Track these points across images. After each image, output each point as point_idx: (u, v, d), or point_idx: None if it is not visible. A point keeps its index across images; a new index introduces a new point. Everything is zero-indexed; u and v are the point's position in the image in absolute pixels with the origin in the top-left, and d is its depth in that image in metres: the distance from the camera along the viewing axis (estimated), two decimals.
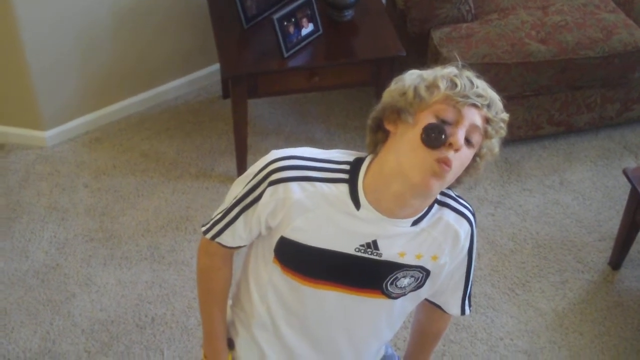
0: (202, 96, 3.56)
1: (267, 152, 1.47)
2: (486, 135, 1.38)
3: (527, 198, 3.16)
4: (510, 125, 1.42)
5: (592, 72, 3.15)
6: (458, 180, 1.42)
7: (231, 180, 3.13)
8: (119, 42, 3.22)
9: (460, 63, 1.41)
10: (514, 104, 3.15)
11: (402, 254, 1.44)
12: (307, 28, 2.92)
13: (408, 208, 1.40)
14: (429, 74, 1.40)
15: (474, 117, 1.35)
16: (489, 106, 1.37)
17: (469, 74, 1.39)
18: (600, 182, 3.25)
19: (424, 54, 3.23)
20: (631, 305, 2.79)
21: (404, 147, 1.34)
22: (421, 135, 1.32)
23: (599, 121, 3.40)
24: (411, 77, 1.40)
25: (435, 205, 1.46)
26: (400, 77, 1.43)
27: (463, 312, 1.62)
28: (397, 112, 1.38)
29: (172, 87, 3.52)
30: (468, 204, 1.52)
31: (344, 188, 1.41)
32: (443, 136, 1.31)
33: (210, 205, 3.04)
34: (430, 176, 1.31)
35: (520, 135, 3.31)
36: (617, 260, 2.89)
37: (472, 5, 3.22)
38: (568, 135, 3.44)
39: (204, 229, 1.53)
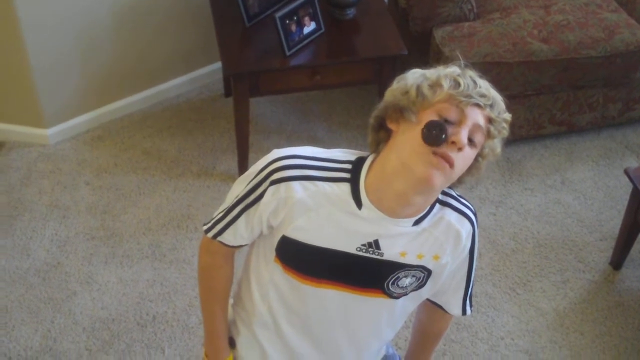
0: (204, 94, 3.56)
1: (268, 150, 1.47)
2: (488, 136, 1.38)
3: (528, 197, 3.16)
4: (512, 124, 1.42)
5: (594, 71, 3.15)
6: (460, 180, 1.42)
7: (233, 178, 3.13)
8: (120, 39, 3.22)
9: (463, 62, 1.41)
10: (515, 103, 3.15)
11: (403, 254, 1.44)
12: (309, 26, 2.92)
13: (410, 207, 1.39)
14: (431, 73, 1.40)
15: (476, 116, 1.35)
16: (491, 106, 1.37)
17: (472, 73, 1.38)
18: (601, 181, 3.24)
19: (426, 53, 3.23)
20: (632, 305, 2.78)
21: (406, 144, 1.34)
22: (422, 131, 1.32)
23: (601, 121, 3.39)
24: (414, 76, 1.40)
25: (437, 205, 1.46)
26: (402, 76, 1.42)
27: (464, 312, 1.62)
28: (400, 111, 1.38)
29: (174, 85, 3.52)
30: (470, 203, 1.51)
31: (345, 187, 1.40)
32: (444, 135, 1.31)
33: (211, 204, 3.04)
34: (432, 168, 1.31)
35: (521, 134, 3.31)
36: (618, 260, 2.89)
37: (474, 4, 3.21)
38: (570, 135, 3.43)
39: (205, 227, 1.53)
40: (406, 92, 1.38)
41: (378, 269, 1.45)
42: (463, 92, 1.34)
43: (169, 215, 3.00)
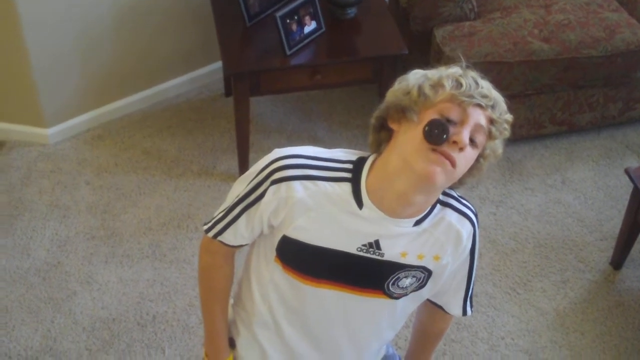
0: (204, 94, 3.56)
1: (269, 150, 1.47)
2: (490, 136, 1.38)
3: (528, 197, 3.15)
4: (513, 124, 1.42)
5: (595, 71, 3.15)
6: (461, 181, 1.42)
7: (233, 178, 3.13)
8: (121, 39, 3.22)
9: (464, 63, 1.41)
10: (516, 102, 3.15)
11: (404, 254, 1.44)
12: (310, 26, 2.92)
13: (411, 207, 1.39)
14: (433, 73, 1.40)
15: (478, 117, 1.35)
16: (493, 107, 1.37)
17: (473, 74, 1.38)
18: (602, 181, 3.24)
19: (426, 52, 3.22)
20: (632, 305, 2.78)
21: (408, 143, 1.34)
22: (424, 129, 1.32)
23: (601, 120, 3.39)
24: (415, 77, 1.40)
25: (438, 206, 1.46)
26: (404, 76, 1.42)
27: (465, 312, 1.62)
28: (402, 111, 1.38)
29: (174, 85, 3.52)
30: (470, 204, 1.51)
31: (346, 187, 1.40)
32: (445, 135, 1.31)
33: (212, 204, 3.04)
34: (433, 165, 1.31)
35: (522, 134, 3.31)
36: (618, 260, 2.89)
37: (474, 3, 3.21)
38: (570, 135, 3.43)
39: (205, 227, 1.53)
40: (408, 93, 1.38)
41: (378, 270, 1.45)
42: (465, 92, 1.34)
43: (169, 215, 3.00)
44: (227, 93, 3.53)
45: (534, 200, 3.14)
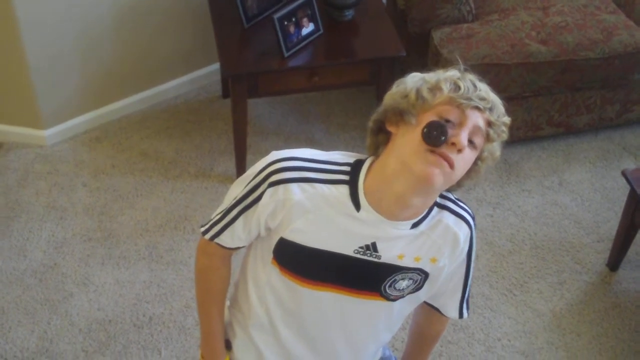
0: (202, 95, 3.56)
1: (266, 152, 1.47)
2: (488, 139, 1.38)
3: (525, 199, 3.16)
4: (510, 126, 1.42)
5: (592, 73, 3.15)
6: (459, 184, 1.42)
7: (230, 180, 3.13)
8: (118, 41, 3.22)
9: (462, 66, 1.41)
10: (513, 104, 3.15)
11: (401, 257, 1.44)
12: (308, 28, 2.92)
13: (409, 209, 1.39)
14: (431, 76, 1.40)
15: (476, 119, 1.35)
16: (491, 109, 1.37)
17: (471, 77, 1.39)
18: (599, 183, 3.25)
19: (424, 54, 3.23)
20: (629, 307, 2.79)
21: (406, 146, 1.35)
22: (423, 131, 1.32)
23: (599, 122, 3.40)
24: (413, 80, 1.41)
25: (435, 208, 1.46)
26: (401, 80, 1.43)
27: (461, 315, 1.62)
28: (400, 114, 1.38)
29: (172, 86, 3.51)
30: (468, 207, 1.51)
31: (344, 189, 1.40)
32: (443, 137, 1.31)
33: (209, 205, 3.03)
34: (431, 167, 1.31)
35: (519, 136, 3.31)
36: (615, 262, 2.89)
37: (472, 5, 3.22)
38: (567, 137, 3.44)
39: (202, 229, 1.53)
40: (406, 96, 1.38)
41: (375, 272, 1.45)
42: (463, 95, 1.35)
43: (166, 216, 3.00)
44: (225, 94, 3.53)
45: (531, 202, 3.14)
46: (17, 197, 3.05)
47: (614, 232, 2.90)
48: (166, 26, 3.32)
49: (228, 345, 1.67)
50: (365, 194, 1.39)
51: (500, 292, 2.81)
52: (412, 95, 1.37)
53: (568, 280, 2.86)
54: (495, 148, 1.41)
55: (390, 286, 1.47)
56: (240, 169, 3.09)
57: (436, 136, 1.31)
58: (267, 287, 1.53)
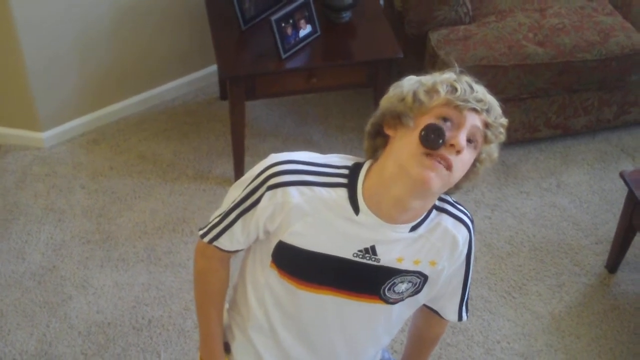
0: (200, 97, 3.56)
1: (265, 153, 1.47)
2: (486, 140, 1.38)
3: (524, 201, 3.16)
4: (507, 127, 1.43)
5: (590, 74, 3.16)
6: (457, 186, 1.42)
7: (228, 182, 3.12)
8: (116, 43, 3.22)
9: (458, 68, 1.41)
10: (511, 106, 3.15)
11: (400, 260, 1.44)
12: (305, 29, 2.92)
13: (408, 212, 1.39)
14: (427, 79, 1.40)
15: (474, 120, 1.36)
16: (488, 111, 1.37)
17: (467, 79, 1.39)
18: (597, 185, 3.25)
19: (421, 56, 3.23)
20: (627, 309, 2.79)
21: (404, 149, 1.35)
22: (421, 134, 1.32)
23: (596, 124, 3.40)
24: (409, 83, 1.41)
25: (434, 211, 1.46)
26: (398, 83, 1.43)
27: (460, 318, 1.62)
28: (398, 117, 1.38)
29: (170, 88, 3.51)
30: (466, 209, 1.52)
31: (342, 193, 1.41)
32: (441, 140, 1.31)
33: (207, 207, 3.03)
34: (427, 170, 1.31)
35: (517, 137, 3.31)
36: (613, 264, 2.89)
37: (469, 7, 3.22)
38: (565, 138, 3.44)
39: (201, 232, 1.53)
40: (403, 99, 1.39)
41: (374, 275, 1.45)
42: (460, 96, 1.35)
43: (165, 218, 3.00)
44: (223, 96, 3.53)
45: (529, 204, 3.15)
46: (15, 199, 3.05)
47: (612, 234, 2.90)
48: (163, 28, 3.32)
49: (227, 348, 1.67)
50: (364, 197, 1.40)
51: (499, 294, 2.81)
52: (409, 98, 1.38)
53: (567, 282, 2.87)
54: (493, 150, 1.42)
55: (389, 289, 1.47)
56: (239, 171, 3.09)
57: (434, 139, 1.31)
58: (266, 290, 1.53)
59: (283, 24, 2.81)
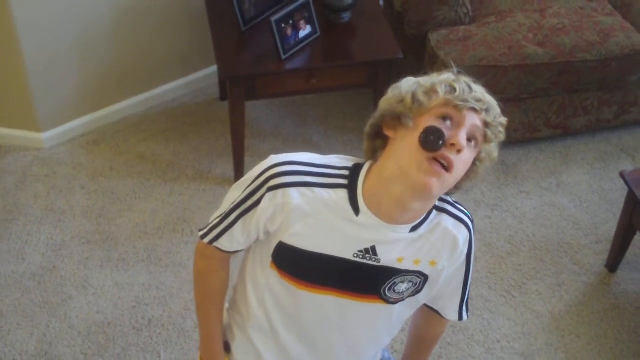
0: (200, 98, 3.56)
1: (264, 154, 1.47)
2: (485, 139, 1.39)
3: (523, 200, 3.16)
4: (507, 127, 1.43)
5: (589, 75, 3.16)
6: (457, 186, 1.42)
7: (228, 182, 3.13)
8: (116, 43, 3.22)
9: (456, 69, 1.42)
10: (511, 106, 3.16)
11: (400, 260, 1.44)
12: (305, 30, 2.92)
13: (408, 213, 1.40)
14: (426, 80, 1.41)
15: (474, 120, 1.36)
16: (487, 110, 1.38)
17: (466, 79, 1.39)
18: (597, 184, 3.25)
19: (421, 57, 3.23)
20: (627, 308, 2.79)
21: (404, 150, 1.35)
22: (420, 136, 1.32)
23: (596, 124, 3.40)
24: (408, 84, 1.41)
25: (434, 211, 1.46)
26: (396, 84, 1.43)
27: (460, 317, 1.62)
28: (397, 118, 1.39)
29: (170, 89, 3.52)
30: (466, 209, 1.52)
31: (343, 194, 1.41)
32: (441, 142, 1.31)
33: (207, 208, 3.03)
34: (428, 175, 1.31)
35: (517, 137, 3.32)
36: (613, 263, 2.89)
37: (469, 7, 3.22)
38: (565, 138, 3.44)
39: (201, 233, 1.53)
40: (402, 100, 1.39)
41: (375, 275, 1.45)
42: (459, 96, 1.35)
43: (165, 219, 3.00)
44: (223, 97, 3.53)
45: (529, 204, 3.15)
46: (15, 200, 3.05)
47: (612, 234, 2.91)
48: (163, 28, 3.32)
49: (227, 348, 1.67)
50: (364, 198, 1.40)
51: (499, 293, 2.81)
52: (408, 99, 1.38)
53: (567, 281, 2.87)
54: (493, 149, 1.42)
55: (389, 289, 1.47)
56: (238, 172, 3.09)
57: (433, 141, 1.31)
58: (266, 290, 1.53)
59: (283, 25, 2.82)
